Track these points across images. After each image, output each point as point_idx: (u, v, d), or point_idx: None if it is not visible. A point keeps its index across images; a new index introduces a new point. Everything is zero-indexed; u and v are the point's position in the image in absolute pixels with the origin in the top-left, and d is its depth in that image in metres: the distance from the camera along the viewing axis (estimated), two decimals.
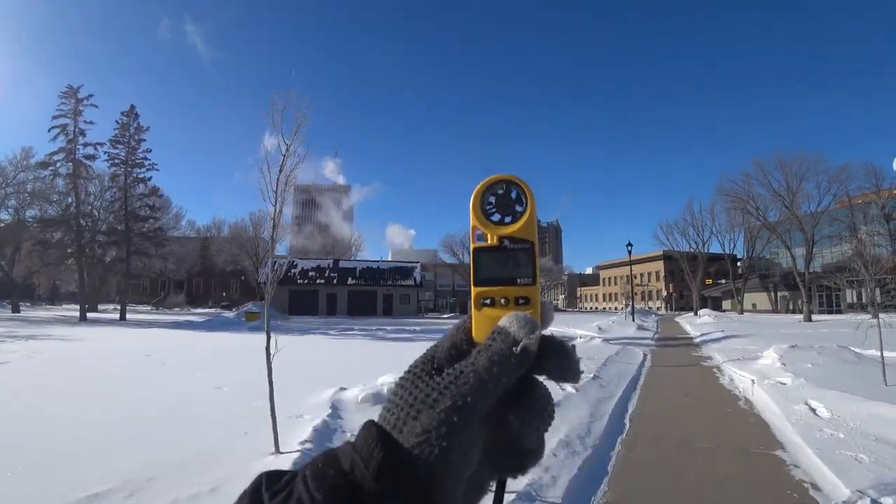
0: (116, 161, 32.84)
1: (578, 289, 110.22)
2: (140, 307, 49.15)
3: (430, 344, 0.37)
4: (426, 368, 0.35)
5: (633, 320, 25.97)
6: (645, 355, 12.43)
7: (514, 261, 0.39)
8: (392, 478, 0.29)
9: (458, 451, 0.31)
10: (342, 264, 48.12)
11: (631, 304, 27.94)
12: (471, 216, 0.40)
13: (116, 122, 33.99)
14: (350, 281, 45.22)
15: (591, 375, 7.92)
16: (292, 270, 46.86)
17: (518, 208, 0.40)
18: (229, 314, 32.05)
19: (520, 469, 0.35)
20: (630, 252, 27.17)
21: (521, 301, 0.38)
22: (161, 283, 60.94)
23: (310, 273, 46.17)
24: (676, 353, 13.66)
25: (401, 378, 0.35)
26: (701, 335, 19.38)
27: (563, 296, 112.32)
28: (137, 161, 33.43)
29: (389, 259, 64.71)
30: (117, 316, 30.53)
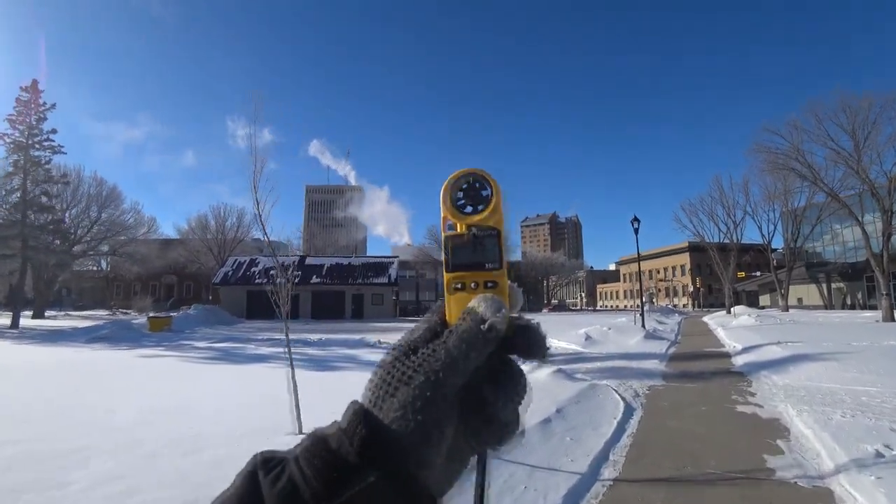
0: (13, 143, 27.69)
1: (598, 286, 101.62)
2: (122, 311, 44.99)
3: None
4: (404, 350, 0.36)
5: (643, 325, 18.59)
6: (624, 421, 5.45)
7: (482, 247, 0.41)
8: (373, 451, 0.31)
9: (434, 424, 0.33)
10: (308, 261, 41.84)
11: (640, 301, 20.53)
12: (441, 207, 0.41)
13: (17, 99, 29.12)
14: (314, 279, 38.85)
15: None
16: (252, 269, 40.96)
17: (485, 195, 0.42)
18: (139, 320, 26.26)
19: (498, 442, 0.36)
20: (637, 230, 19.77)
21: (489, 285, 0.40)
22: (152, 287, 58.58)
23: (272, 272, 39.91)
24: (701, 405, 6.54)
25: (381, 360, 0.37)
26: (743, 349, 12.05)
27: (582, 293, 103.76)
28: (40, 143, 28.21)
29: (391, 255, 58.20)
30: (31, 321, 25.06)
